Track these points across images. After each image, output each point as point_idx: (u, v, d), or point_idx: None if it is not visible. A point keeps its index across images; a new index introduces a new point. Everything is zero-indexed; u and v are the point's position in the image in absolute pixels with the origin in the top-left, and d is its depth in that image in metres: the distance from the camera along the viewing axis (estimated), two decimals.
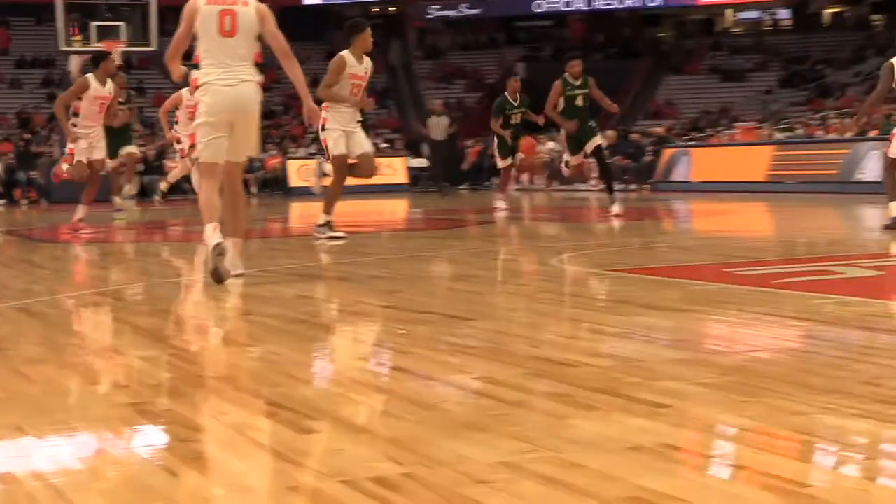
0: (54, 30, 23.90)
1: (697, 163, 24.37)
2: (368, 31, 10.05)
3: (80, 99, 11.92)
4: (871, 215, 13.97)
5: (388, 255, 9.25)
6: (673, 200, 18.91)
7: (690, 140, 28.66)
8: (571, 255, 8.31)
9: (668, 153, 25.04)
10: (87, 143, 11.89)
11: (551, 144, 29.25)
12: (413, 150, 34.19)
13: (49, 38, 26.57)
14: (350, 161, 9.97)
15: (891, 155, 10.04)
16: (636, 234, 10.51)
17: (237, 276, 6.48)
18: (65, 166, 12.80)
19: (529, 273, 7.35)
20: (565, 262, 7.62)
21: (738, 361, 3.82)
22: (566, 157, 13.98)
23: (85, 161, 11.87)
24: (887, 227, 9.76)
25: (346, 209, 19.20)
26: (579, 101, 13.30)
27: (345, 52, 9.95)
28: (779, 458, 2.60)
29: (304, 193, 24.91)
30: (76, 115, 12.01)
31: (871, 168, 19.78)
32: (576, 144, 13.42)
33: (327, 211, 10.08)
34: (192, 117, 11.89)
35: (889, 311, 4.80)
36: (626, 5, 41.36)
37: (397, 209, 19.98)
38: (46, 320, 5.45)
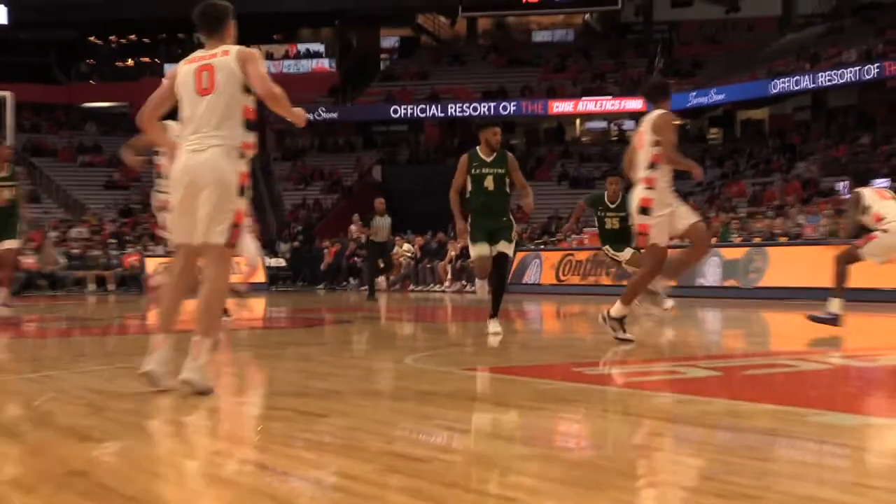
0: None
1: (548, 266, 24.97)
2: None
3: None
4: (711, 318, 14.52)
5: (245, 351, 9.23)
6: (525, 302, 19.28)
7: (541, 244, 29.34)
8: (425, 354, 8.46)
9: (519, 256, 25.58)
10: None
11: (407, 246, 29.57)
12: (271, 249, 34.09)
13: None
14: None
15: (864, 255, 10.05)
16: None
17: (185, 383, 5.70)
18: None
19: (384, 371, 7.45)
20: (419, 361, 7.75)
21: (584, 457, 3.98)
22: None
23: None
24: (820, 321, 9.94)
25: None
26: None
27: (667, 112, 8.74)
28: None
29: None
30: None
31: (710, 274, 20.62)
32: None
33: (629, 301, 8.96)
34: None
35: (725, 410, 5.05)
36: (479, 113, 42.40)
37: (256, 308, 19.86)
38: None
